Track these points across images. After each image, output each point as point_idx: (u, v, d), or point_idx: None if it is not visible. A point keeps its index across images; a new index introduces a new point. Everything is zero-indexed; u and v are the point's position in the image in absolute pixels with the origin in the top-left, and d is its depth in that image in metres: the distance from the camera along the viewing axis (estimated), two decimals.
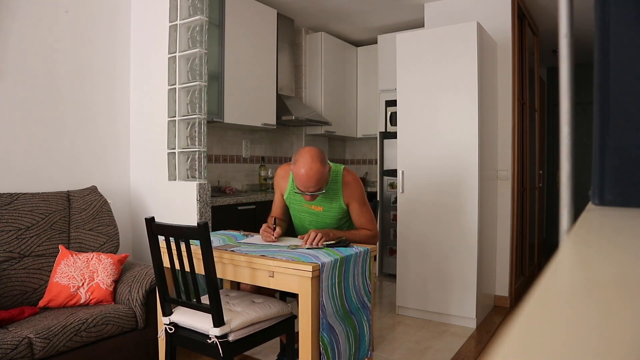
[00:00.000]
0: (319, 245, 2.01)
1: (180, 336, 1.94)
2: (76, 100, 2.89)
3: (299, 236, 2.18)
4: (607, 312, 0.28)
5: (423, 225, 3.34)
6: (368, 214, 2.25)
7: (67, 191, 2.68)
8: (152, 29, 3.06)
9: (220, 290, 2.13)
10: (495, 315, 3.49)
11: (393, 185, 4.45)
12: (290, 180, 2.29)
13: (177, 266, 1.86)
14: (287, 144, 4.78)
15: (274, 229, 2.17)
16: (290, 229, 2.47)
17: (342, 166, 2.28)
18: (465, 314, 3.21)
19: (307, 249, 1.96)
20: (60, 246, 2.42)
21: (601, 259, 0.41)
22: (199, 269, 1.84)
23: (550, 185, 6.03)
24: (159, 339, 2.19)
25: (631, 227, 0.51)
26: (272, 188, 4.15)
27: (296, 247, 2.02)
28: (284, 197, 2.35)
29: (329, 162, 2.25)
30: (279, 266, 1.77)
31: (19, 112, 2.61)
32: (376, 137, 4.76)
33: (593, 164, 0.56)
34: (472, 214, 3.16)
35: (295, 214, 2.35)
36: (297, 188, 2.11)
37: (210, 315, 1.78)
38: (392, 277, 4.38)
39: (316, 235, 2.03)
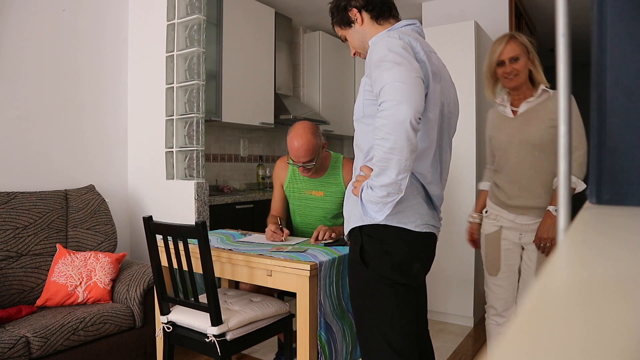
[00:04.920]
0: (323, 240, 2.06)
1: (178, 335, 1.94)
2: (73, 99, 2.89)
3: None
4: (605, 311, 0.29)
5: None
6: None
7: (65, 190, 2.68)
8: (150, 28, 3.05)
9: (218, 289, 2.13)
10: None
11: None
12: (290, 169, 2.35)
13: (175, 265, 1.86)
14: (284, 143, 4.78)
15: (282, 230, 2.17)
16: (289, 227, 2.48)
17: (342, 155, 2.38)
18: (462, 312, 3.22)
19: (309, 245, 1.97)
20: (57, 245, 2.42)
21: (598, 257, 0.41)
22: (197, 267, 1.84)
23: None
24: (157, 338, 2.19)
25: (628, 226, 0.51)
26: (270, 187, 4.16)
27: (298, 244, 2.02)
28: (284, 188, 2.37)
29: (330, 151, 2.36)
30: (277, 265, 1.77)
31: (16, 111, 2.60)
32: None
33: (590, 163, 0.56)
34: (469, 212, 3.16)
35: (295, 202, 2.37)
36: (292, 160, 2.20)
37: (208, 314, 1.78)
38: None
39: (322, 232, 2.07)
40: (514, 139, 1.97)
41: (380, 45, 1.34)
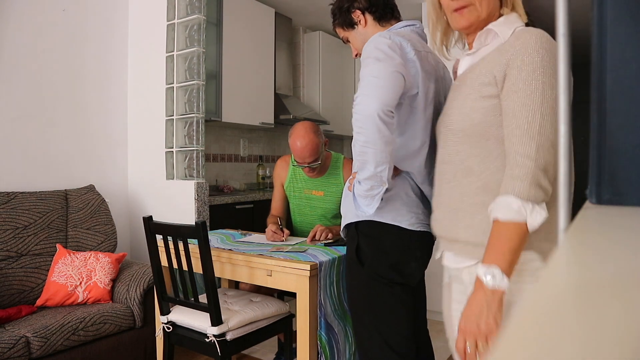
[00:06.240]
0: (321, 240, 2.06)
1: (178, 335, 1.94)
2: (74, 99, 2.89)
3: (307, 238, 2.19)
4: (605, 312, 0.29)
5: None
6: None
7: (65, 190, 2.68)
8: (150, 28, 3.05)
9: (218, 289, 2.13)
10: None
11: None
12: (290, 169, 2.35)
13: (175, 265, 1.86)
14: (285, 143, 4.78)
15: (282, 230, 2.18)
16: (289, 227, 2.48)
17: (343, 155, 2.38)
18: None
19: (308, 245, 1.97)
20: (57, 245, 2.42)
21: (598, 258, 0.41)
22: (197, 267, 1.84)
23: None
24: (157, 338, 2.19)
25: (628, 226, 0.51)
26: (270, 187, 4.16)
27: (298, 244, 2.02)
28: (285, 187, 2.38)
29: (330, 151, 2.37)
30: (277, 265, 1.77)
31: (16, 111, 2.61)
32: None
33: (590, 163, 0.56)
34: None
35: (295, 202, 2.37)
36: (296, 161, 2.20)
37: (208, 314, 1.78)
38: None
39: (320, 231, 2.09)
40: (441, 121, 1.22)
41: (369, 44, 1.36)
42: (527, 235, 0.96)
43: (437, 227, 1.21)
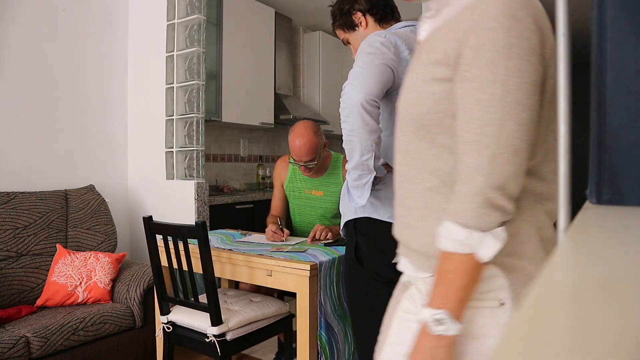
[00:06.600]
0: (321, 240, 2.07)
1: (178, 335, 1.94)
2: (74, 99, 2.89)
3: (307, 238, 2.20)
4: (605, 311, 0.29)
5: None
6: None
7: (65, 190, 2.68)
8: (150, 28, 3.05)
9: (218, 289, 2.13)
10: None
11: None
12: (290, 169, 2.35)
13: (175, 265, 1.86)
14: (285, 143, 4.78)
15: (282, 230, 2.18)
16: (289, 227, 2.48)
17: (343, 155, 2.38)
18: None
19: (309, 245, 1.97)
20: (57, 245, 2.42)
21: (598, 258, 0.41)
22: (197, 267, 1.84)
23: None
24: (157, 338, 2.19)
25: (629, 226, 0.51)
26: (270, 187, 4.16)
27: (298, 244, 2.02)
28: (284, 187, 2.38)
29: (330, 151, 2.38)
30: (277, 265, 1.77)
31: (16, 111, 2.60)
32: None
33: (590, 163, 0.56)
34: None
35: (295, 202, 2.38)
36: (293, 159, 2.22)
37: (208, 314, 1.78)
38: None
39: (320, 231, 2.09)
40: (399, 98, 0.97)
41: (363, 42, 1.39)
42: (482, 267, 0.78)
43: (394, 227, 1.04)
